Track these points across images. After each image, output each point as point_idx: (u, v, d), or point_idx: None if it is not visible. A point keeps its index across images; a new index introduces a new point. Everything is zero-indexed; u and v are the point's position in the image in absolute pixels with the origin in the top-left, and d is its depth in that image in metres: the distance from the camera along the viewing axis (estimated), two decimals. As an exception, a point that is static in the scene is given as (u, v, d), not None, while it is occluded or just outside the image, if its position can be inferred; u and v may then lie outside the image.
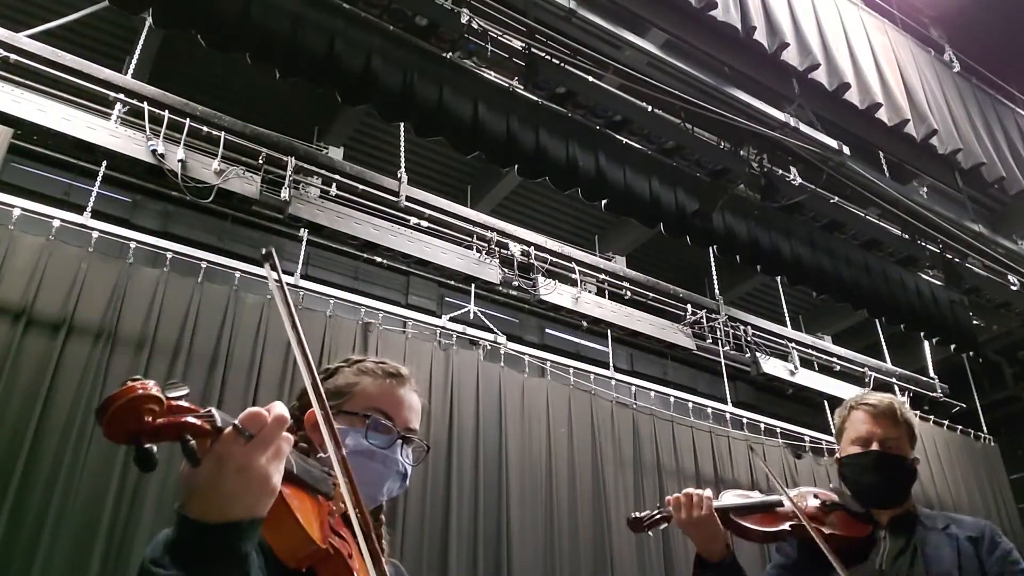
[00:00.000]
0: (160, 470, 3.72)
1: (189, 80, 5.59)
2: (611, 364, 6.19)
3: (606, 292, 6.15)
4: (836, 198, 6.12)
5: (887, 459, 1.92)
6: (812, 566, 1.89)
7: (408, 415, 1.32)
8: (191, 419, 0.82)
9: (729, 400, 6.39)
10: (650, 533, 2.02)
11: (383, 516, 1.33)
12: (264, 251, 1.07)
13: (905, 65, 6.35)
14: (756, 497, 2.02)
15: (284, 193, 4.62)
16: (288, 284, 4.91)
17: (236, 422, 0.85)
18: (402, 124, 5.35)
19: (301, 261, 5.15)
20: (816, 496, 2.00)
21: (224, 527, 0.83)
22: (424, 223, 5.26)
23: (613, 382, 5.90)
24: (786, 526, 1.91)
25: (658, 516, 1.95)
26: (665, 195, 5.11)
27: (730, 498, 1.98)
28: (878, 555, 1.86)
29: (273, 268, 1.08)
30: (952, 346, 6.59)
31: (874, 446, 1.92)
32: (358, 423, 1.27)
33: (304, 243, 5.21)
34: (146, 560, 0.85)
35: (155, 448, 0.80)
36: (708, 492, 1.91)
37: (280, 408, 0.89)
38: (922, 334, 6.56)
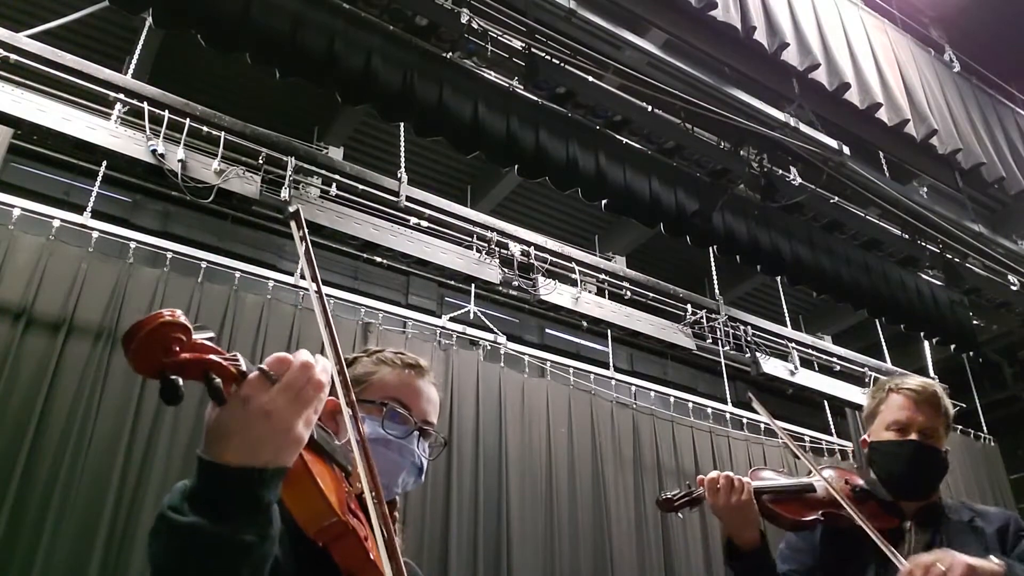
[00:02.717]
0: (159, 470, 3.73)
1: (189, 80, 5.59)
2: (611, 364, 6.19)
3: (606, 292, 6.15)
4: (836, 198, 6.12)
5: (924, 450, 1.81)
6: (831, 554, 1.82)
7: (426, 407, 1.31)
8: (217, 358, 0.82)
9: (729, 400, 6.39)
10: (680, 515, 1.91)
11: (397, 513, 1.29)
12: (291, 210, 1.06)
13: (905, 65, 6.36)
14: (789, 480, 1.91)
15: (284, 193, 4.61)
16: (288, 285, 4.91)
17: (263, 366, 0.84)
18: (402, 124, 5.35)
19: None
20: (847, 482, 1.89)
21: (246, 472, 0.81)
22: (424, 223, 5.25)
23: (613, 382, 5.90)
24: (818, 515, 1.81)
25: (689, 497, 1.84)
26: (665, 195, 5.11)
27: (765, 478, 1.87)
28: (906, 549, 1.75)
29: (300, 227, 1.04)
30: (952, 346, 6.60)
31: (913, 435, 1.81)
32: (375, 412, 1.25)
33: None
34: (164, 507, 0.82)
35: (181, 381, 0.79)
36: (747, 477, 1.79)
37: (306, 355, 0.87)
38: (922, 334, 6.56)
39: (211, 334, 0.83)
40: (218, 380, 0.81)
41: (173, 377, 0.78)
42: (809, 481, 1.87)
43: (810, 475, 1.90)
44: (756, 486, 1.79)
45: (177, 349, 0.78)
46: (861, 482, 1.89)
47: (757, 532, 1.76)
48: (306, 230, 1.05)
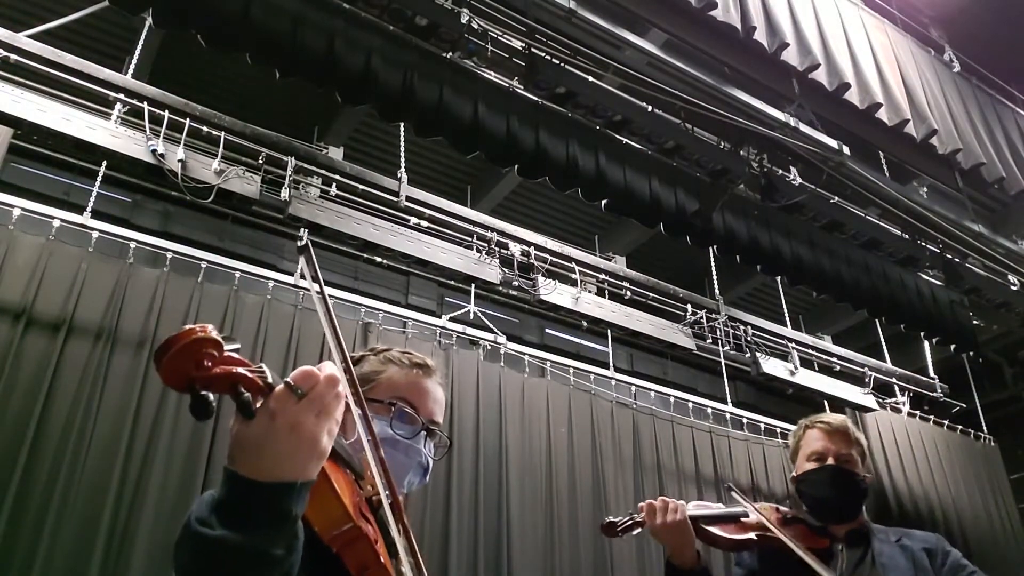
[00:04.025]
0: (159, 471, 3.73)
1: (189, 80, 5.59)
2: (611, 364, 6.19)
3: (606, 292, 6.15)
4: (836, 198, 6.12)
5: (842, 473, 2.01)
6: (767, 573, 1.98)
7: (433, 407, 1.32)
8: (244, 371, 0.82)
9: (729, 400, 6.39)
10: (622, 537, 2.05)
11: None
12: (301, 243, 1.07)
13: (905, 65, 6.35)
14: (722, 508, 2.09)
15: (284, 193, 4.61)
16: (288, 285, 4.91)
17: (288, 380, 0.84)
18: (402, 124, 5.35)
19: (301, 261, 5.14)
20: (777, 510, 2.09)
21: (275, 487, 0.81)
22: (424, 223, 5.25)
23: (613, 382, 5.90)
24: (752, 535, 1.98)
25: (631, 522, 2.00)
26: (665, 195, 5.10)
27: (696, 508, 2.04)
28: (837, 567, 1.94)
29: (309, 261, 1.06)
30: (952, 346, 6.59)
31: (829, 461, 2.02)
32: (383, 411, 1.26)
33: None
34: (192, 519, 0.82)
35: (211, 396, 0.79)
36: (681, 501, 1.97)
37: (332, 368, 0.87)
38: (922, 334, 6.56)
39: (238, 346, 0.83)
40: (247, 394, 0.81)
41: (203, 392, 0.78)
42: (741, 508, 2.05)
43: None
44: (692, 513, 1.97)
45: (208, 364, 0.79)
46: (793, 511, 2.09)
47: (694, 552, 1.94)
48: (316, 266, 1.05)
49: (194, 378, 0.78)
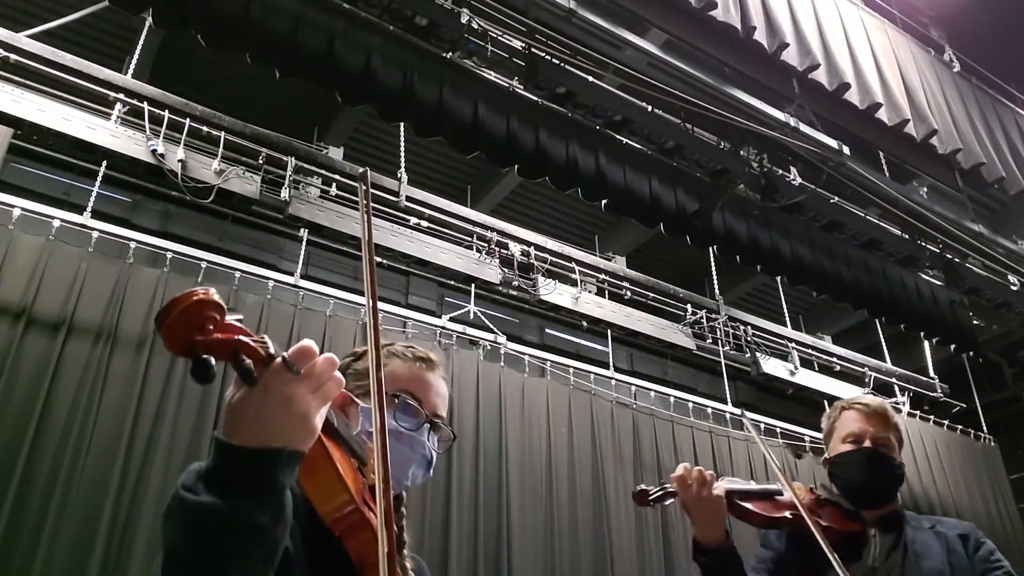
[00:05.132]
0: (159, 470, 3.72)
1: (189, 80, 5.59)
2: (611, 364, 6.18)
3: (606, 292, 6.15)
4: (836, 198, 6.13)
5: (879, 457, 1.93)
6: (799, 559, 1.90)
7: (436, 400, 1.32)
8: (246, 339, 0.82)
9: (729, 400, 6.39)
10: (653, 507, 1.97)
11: (404, 509, 1.30)
12: (360, 171, 1.07)
13: (905, 65, 6.35)
14: (755, 484, 2.01)
15: (284, 193, 4.62)
16: (288, 285, 4.90)
17: (285, 355, 0.84)
18: (402, 124, 5.35)
19: (301, 261, 5.15)
20: (811, 491, 2.02)
21: (261, 453, 0.82)
22: (424, 223, 5.26)
23: (613, 382, 5.90)
24: (787, 513, 1.91)
25: (663, 492, 1.89)
26: (665, 195, 5.11)
27: (729, 482, 1.95)
28: (870, 553, 1.88)
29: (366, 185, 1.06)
30: (952, 346, 6.60)
31: (867, 443, 1.94)
32: (386, 404, 1.26)
33: (304, 243, 5.21)
34: (178, 486, 0.83)
35: (212, 360, 0.79)
36: (714, 473, 1.87)
37: (330, 354, 0.89)
38: (922, 334, 6.56)
39: (241, 316, 0.83)
40: (248, 361, 0.81)
41: (205, 356, 0.78)
42: (776, 486, 1.98)
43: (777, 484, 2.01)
44: (727, 487, 1.88)
45: (211, 328, 0.79)
46: (826, 493, 2.01)
47: (723, 531, 1.84)
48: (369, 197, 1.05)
49: (196, 342, 0.78)
